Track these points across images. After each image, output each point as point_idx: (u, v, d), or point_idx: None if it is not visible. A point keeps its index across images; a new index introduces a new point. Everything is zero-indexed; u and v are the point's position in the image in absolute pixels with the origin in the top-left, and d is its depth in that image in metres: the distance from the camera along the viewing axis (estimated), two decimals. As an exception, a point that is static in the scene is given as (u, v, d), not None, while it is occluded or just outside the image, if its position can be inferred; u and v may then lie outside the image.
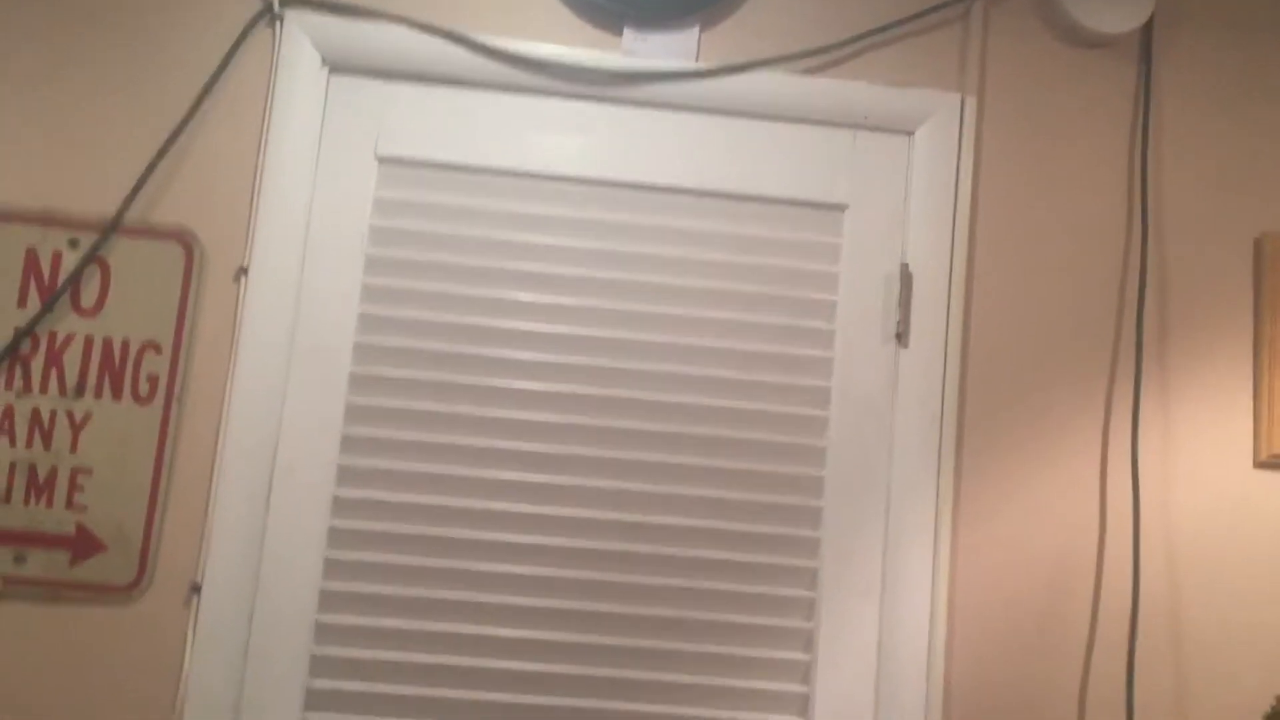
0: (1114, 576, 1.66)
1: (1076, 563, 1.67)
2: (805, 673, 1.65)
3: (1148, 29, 1.78)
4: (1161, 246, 1.74)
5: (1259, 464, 1.69)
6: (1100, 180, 1.75)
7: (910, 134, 1.75)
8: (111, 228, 1.62)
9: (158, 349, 1.62)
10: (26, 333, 1.60)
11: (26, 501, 1.58)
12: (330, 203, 1.69)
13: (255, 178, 1.66)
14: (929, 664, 1.64)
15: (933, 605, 1.65)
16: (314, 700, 1.59)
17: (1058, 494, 1.68)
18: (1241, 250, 1.74)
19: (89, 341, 1.62)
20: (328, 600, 1.61)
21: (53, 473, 1.59)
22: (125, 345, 1.62)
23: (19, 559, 1.57)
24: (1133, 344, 1.71)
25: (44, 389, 1.60)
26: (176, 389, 1.62)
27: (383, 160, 1.70)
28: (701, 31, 1.73)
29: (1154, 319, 1.72)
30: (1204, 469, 1.69)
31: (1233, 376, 1.71)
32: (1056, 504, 1.68)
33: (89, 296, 1.62)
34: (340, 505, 1.63)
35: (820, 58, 1.74)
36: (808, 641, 1.65)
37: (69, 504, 1.58)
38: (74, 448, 1.59)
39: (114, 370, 1.61)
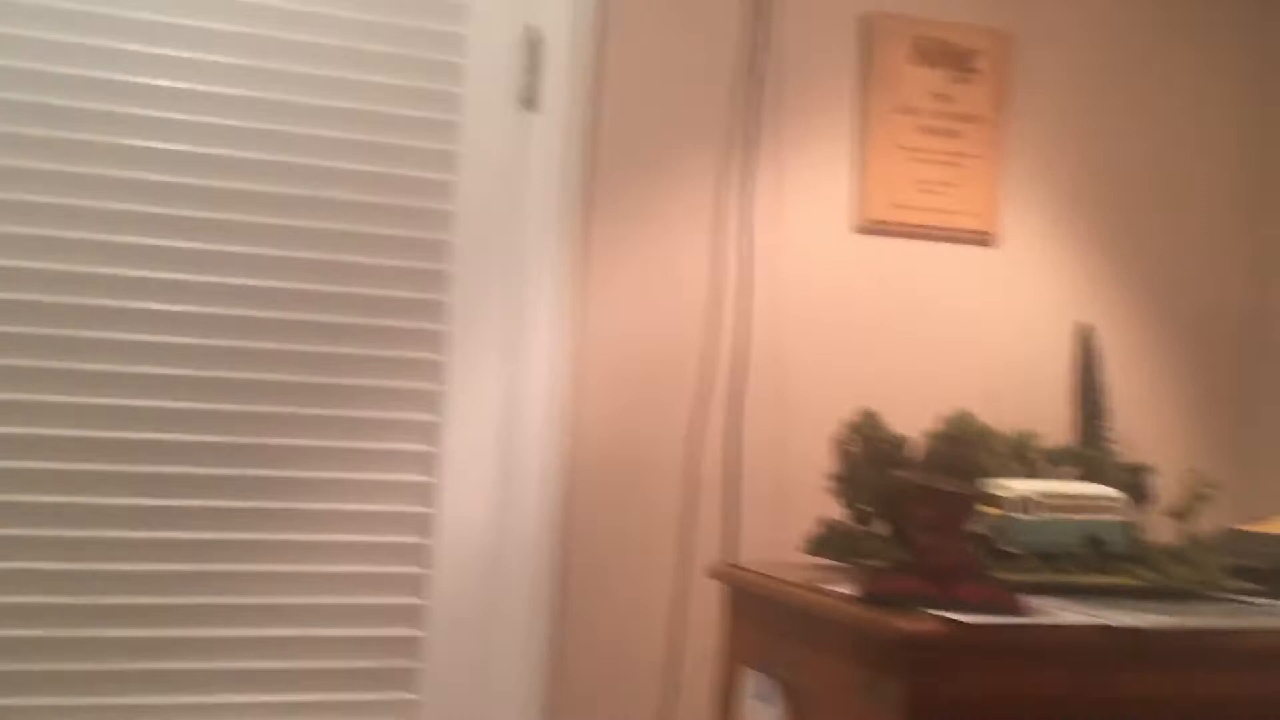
0: (728, 332, 1.76)
1: (695, 321, 1.76)
2: (432, 433, 1.66)
3: None
4: (781, 21, 1.81)
5: (856, 229, 1.83)
6: (724, -46, 1.79)
7: (538, -108, 1.72)
8: None
9: None
10: None
11: None
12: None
13: None
14: (552, 420, 1.70)
15: (557, 365, 1.70)
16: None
17: (679, 258, 1.76)
18: (847, 27, 1.84)
19: None
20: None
21: None
22: None
23: None
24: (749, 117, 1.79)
25: None
26: None
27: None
28: None
29: (770, 94, 1.80)
30: (810, 233, 1.81)
31: (837, 148, 1.83)
32: (678, 268, 1.76)
33: None
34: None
35: None
36: (435, 403, 1.66)
37: None
38: None
39: None
